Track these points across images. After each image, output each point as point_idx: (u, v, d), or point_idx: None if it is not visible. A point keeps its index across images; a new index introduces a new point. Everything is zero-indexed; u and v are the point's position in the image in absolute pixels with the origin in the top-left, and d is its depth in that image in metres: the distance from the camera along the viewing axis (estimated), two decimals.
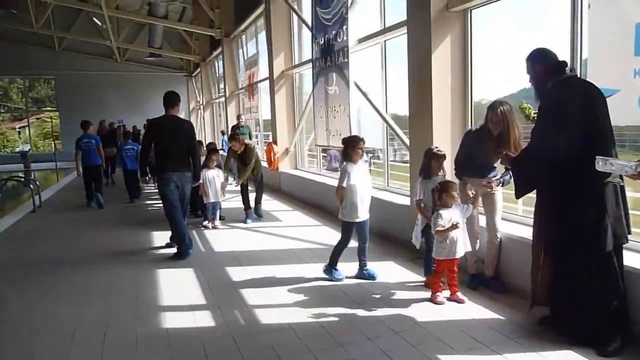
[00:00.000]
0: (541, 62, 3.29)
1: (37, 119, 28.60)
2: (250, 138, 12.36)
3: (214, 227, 7.11)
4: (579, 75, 3.64)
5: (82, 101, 22.07)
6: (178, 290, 4.48)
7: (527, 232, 4.18)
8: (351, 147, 4.49)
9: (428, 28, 4.96)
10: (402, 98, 6.91)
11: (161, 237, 6.48)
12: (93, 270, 5.24)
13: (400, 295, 4.19)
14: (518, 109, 3.74)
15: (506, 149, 3.81)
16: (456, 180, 4.22)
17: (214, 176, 7.14)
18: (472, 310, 3.82)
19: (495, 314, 3.72)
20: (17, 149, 20.83)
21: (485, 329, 3.46)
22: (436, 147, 4.35)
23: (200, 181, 6.73)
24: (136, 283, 4.76)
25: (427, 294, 4.07)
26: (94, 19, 19.04)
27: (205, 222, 7.19)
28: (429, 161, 4.24)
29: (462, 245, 3.97)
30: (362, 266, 4.65)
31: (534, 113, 3.74)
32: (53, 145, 21.58)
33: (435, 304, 3.92)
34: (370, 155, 13.47)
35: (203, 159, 7.84)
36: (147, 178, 6.46)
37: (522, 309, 3.70)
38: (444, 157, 4.26)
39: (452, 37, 5.02)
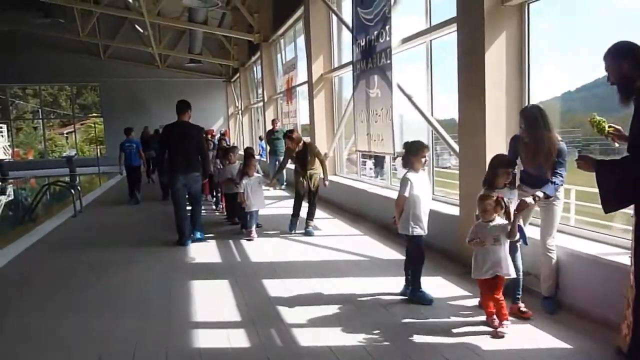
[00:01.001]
0: (627, 57, 2.79)
1: (83, 124, 29.49)
2: None
3: (251, 239, 6.64)
4: None
5: (124, 107, 22.60)
6: (212, 305, 4.24)
7: (582, 246, 3.86)
8: (414, 153, 4.08)
9: (481, 24, 4.56)
10: (442, 101, 6.60)
11: (194, 243, 6.35)
12: (126, 280, 5.09)
13: (453, 316, 3.79)
14: (589, 122, 3.24)
15: (538, 159, 3.59)
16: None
17: (258, 182, 6.78)
18: (536, 336, 3.39)
19: (561, 342, 3.28)
20: (64, 154, 21.48)
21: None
22: (503, 154, 3.85)
23: (241, 190, 6.55)
24: (170, 295, 4.55)
25: (483, 316, 3.66)
26: (137, 26, 19.42)
27: (248, 232, 6.73)
28: (496, 171, 3.66)
29: (501, 265, 3.47)
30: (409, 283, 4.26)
31: (609, 127, 3.14)
32: (97, 150, 22.13)
33: (492, 328, 3.50)
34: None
35: (236, 163, 7.68)
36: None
37: (590, 336, 3.30)
38: (513, 164, 3.72)
39: (507, 33, 4.61)
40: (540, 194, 3.48)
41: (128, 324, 3.89)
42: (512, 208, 3.52)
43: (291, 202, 7.34)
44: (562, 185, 3.65)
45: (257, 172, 7.02)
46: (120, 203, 11.02)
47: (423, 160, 4.08)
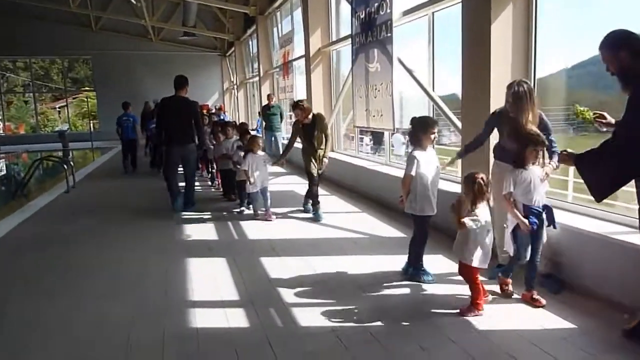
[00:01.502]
0: (623, 46, 2.72)
1: (75, 98, 29.02)
2: (281, 119, 12.00)
3: (268, 219, 6.27)
4: None
5: (118, 81, 22.12)
6: (210, 284, 4.16)
7: (586, 224, 3.79)
8: (422, 130, 3.93)
9: None
10: (442, 77, 6.43)
11: (190, 219, 6.25)
12: (121, 258, 4.98)
13: (454, 294, 3.73)
14: (574, 113, 3.26)
15: (520, 133, 3.54)
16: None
17: (263, 161, 6.43)
18: (540, 316, 3.34)
19: (566, 322, 3.23)
20: (56, 129, 21.15)
21: (558, 342, 2.98)
22: (534, 130, 3.57)
23: (245, 168, 6.23)
24: (166, 274, 4.46)
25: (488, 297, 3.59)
26: None
27: (268, 214, 6.34)
28: (524, 150, 3.46)
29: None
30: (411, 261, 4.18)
31: (593, 114, 3.23)
32: (90, 124, 21.79)
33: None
34: (407, 137, 12.90)
35: (234, 138, 7.52)
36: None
37: (595, 316, 3.25)
38: (543, 143, 3.46)
39: (514, 6, 4.44)
40: (554, 164, 3.55)
41: (123, 303, 3.81)
42: (538, 185, 3.45)
43: (289, 178, 7.22)
44: None
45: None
46: (114, 177, 10.90)
47: (432, 137, 3.93)
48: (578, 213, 4.08)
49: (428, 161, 3.94)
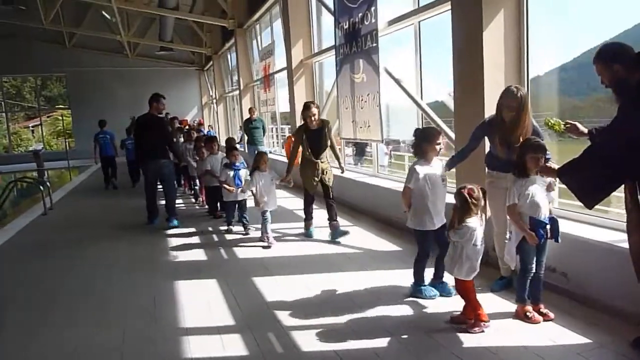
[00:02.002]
0: (617, 59, 2.72)
1: (49, 117, 28.37)
2: (264, 133, 11.79)
3: (269, 245, 5.63)
4: None
5: (93, 98, 21.69)
6: (202, 308, 3.94)
7: (583, 231, 3.73)
8: (427, 141, 3.76)
9: (479, 3, 4.32)
10: (426, 83, 6.36)
11: (175, 239, 6.01)
12: (105, 285, 4.72)
13: (458, 312, 3.59)
14: (544, 125, 3.29)
15: (513, 140, 3.51)
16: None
17: (271, 179, 5.79)
18: (550, 330, 3.22)
19: (578, 335, 3.11)
20: (30, 148, 20.58)
21: (574, 358, 2.86)
22: (534, 138, 3.42)
23: (253, 188, 5.71)
24: (154, 298, 4.22)
25: (489, 311, 3.46)
26: (103, 12, 18.58)
27: (265, 237, 5.70)
28: (524, 154, 3.32)
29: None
30: (437, 278, 3.96)
31: (565, 127, 3.23)
32: (65, 143, 21.25)
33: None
34: (390, 147, 12.82)
35: (219, 154, 7.31)
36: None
37: (608, 328, 3.14)
38: (543, 149, 3.30)
39: (505, 10, 4.39)
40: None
41: (110, 333, 3.56)
42: (543, 195, 3.34)
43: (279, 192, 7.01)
44: None
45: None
46: (93, 196, 10.57)
47: (437, 147, 3.78)
48: (578, 221, 4.00)
49: (431, 174, 3.77)
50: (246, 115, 12.40)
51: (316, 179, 5.80)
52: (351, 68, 7.39)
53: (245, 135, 12.14)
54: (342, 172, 6.23)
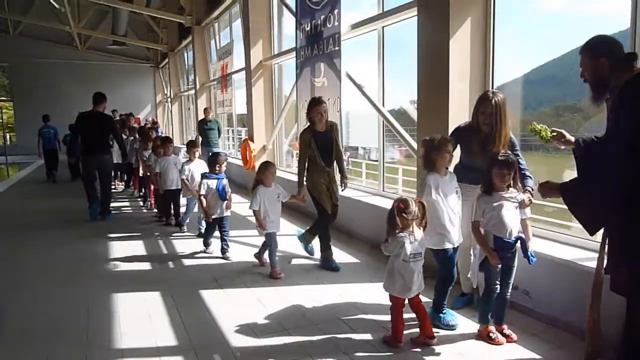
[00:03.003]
0: (607, 53, 2.54)
1: None
2: (219, 134, 11.39)
3: (277, 277, 4.58)
4: None
5: (39, 91, 20.52)
6: (142, 325, 3.55)
7: (550, 249, 3.60)
8: (436, 150, 3.37)
9: (446, 8, 4.19)
10: (388, 90, 6.24)
11: (118, 243, 5.56)
12: (34, 296, 4.25)
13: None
14: (530, 131, 3.10)
15: (494, 147, 3.33)
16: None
17: (277, 196, 4.78)
18: (512, 352, 3.07)
19: (539, 356, 2.98)
20: None
21: None
22: (502, 152, 3.23)
23: (256, 207, 4.64)
24: (87, 314, 3.80)
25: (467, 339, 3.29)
26: (52, 1, 17.57)
27: (274, 271, 4.62)
28: (489, 170, 3.15)
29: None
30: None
31: (552, 134, 2.99)
32: (5, 137, 19.95)
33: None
34: (348, 154, 12.70)
35: (175, 156, 6.91)
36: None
37: (570, 349, 3.04)
38: (508, 164, 3.10)
39: (472, 17, 4.28)
40: (529, 191, 3.27)
41: (34, 354, 3.14)
42: (512, 214, 3.15)
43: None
44: None
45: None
46: (31, 197, 9.84)
47: (447, 156, 3.39)
48: (541, 237, 3.90)
49: (444, 186, 3.41)
50: (201, 116, 11.93)
51: (330, 189, 4.87)
52: (312, 71, 7.17)
53: (200, 137, 11.70)
54: (343, 189, 5.08)
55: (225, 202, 5.23)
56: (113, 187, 10.60)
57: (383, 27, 5.93)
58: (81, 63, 21.75)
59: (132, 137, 9.86)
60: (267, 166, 4.75)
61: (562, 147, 3.03)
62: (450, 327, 3.42)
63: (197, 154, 6.32)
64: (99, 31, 20.18)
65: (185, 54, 18.23)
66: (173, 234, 6.36)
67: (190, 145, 6.43)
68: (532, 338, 3.22)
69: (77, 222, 7.24)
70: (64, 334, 3.45)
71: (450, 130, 4.14)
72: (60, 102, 19.36)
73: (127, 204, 8.93)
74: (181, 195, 6.60)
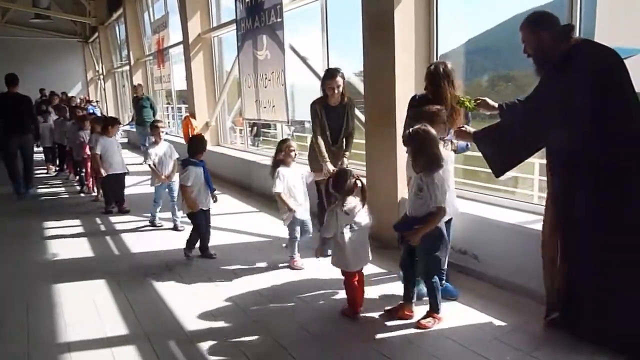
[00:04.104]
0: (546, 27, 2.67)
1: None
2: (154, 113, 10.90)
3: (297, 267, 4.14)
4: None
5: None
6: (88, 316, 3.38)
7: (492, 213, 3.76)
8: (428, 121, 3.06)
9: None
10: (337, 64, 6.16)
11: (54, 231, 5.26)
12: None
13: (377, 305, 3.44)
14: (458, 104, 3.29)
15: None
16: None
17: (301, 177, 4.17)
18: (464, 314, 3.18)
19: (492, 318, 3.10)
20: None
21: (491, 342, 2.82)
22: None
23: (279, 190, 4.03)
24: (27, 306, 3.57)
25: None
26: None
27: (292, 261, 4.15)
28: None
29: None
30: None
31: (475, 103, 3.24)
32: None
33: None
34: (293, 129, 12.63)
35: (114, 138, 6.50)
36: None
37: (520, 309, 3.17)
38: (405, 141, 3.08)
39: None
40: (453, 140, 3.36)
41: None
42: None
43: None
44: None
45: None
46: None
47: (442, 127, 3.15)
48: (487, 203, 4.04)
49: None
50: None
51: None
52: (254, 44, 6.96)
53: (135, 115, 11.20)
54: (340, 164, 4.34)
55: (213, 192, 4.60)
56: (45, 171, 10.04)
57: None
58: (1, 39, 20.06)
59: (61, 118, 9.29)
60: (286, 144, 4.11)
61: (488, 112, 3.30)
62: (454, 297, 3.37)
63: (162, 135, 5.65)
64: (18, 4, 18.61)
65: (117, 28, 17.26)
66: (118, 221, 6.05)
67: (155, 125, 5.70)
68: (481, 300, 3.34)
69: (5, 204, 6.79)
70: (3, 330, 3.23)
71: (401, 103, 4.16)
72: None
73: (62, 189, 8.44)
74: (150, 184, 5.70)
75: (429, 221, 2.93)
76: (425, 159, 2.93)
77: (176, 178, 5.23)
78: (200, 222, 4.49)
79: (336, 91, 4.27)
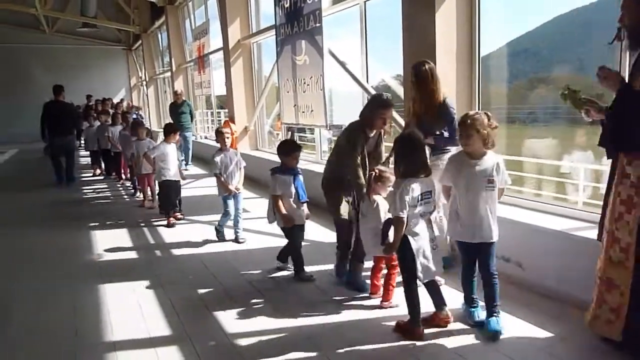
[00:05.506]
0: None
1: None
2: (192, 119, 11.07)
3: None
4: None
5: (4, 77, 19.72)
6: (132, 315, 3.47)
7: (541, 220, 3.63)
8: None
9: None
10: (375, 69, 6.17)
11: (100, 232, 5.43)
12: (16, 293, 4.12)
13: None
14: (561, 96, 2.68)
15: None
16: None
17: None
18: (510, 325, 3.07)
19: (538, 329, 3.00)
20: None
21: (537, 353, 2.73)
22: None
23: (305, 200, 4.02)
24: (74, 308, 3.69)
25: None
26: None
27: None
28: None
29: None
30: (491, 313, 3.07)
31: (583, 97, 2.62)
32: None
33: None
34: (332, 132, 12.66)
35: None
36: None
37: (566, 319, 3.06)
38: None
39: None
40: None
41: (23, 352, 3.04)
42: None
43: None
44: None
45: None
46: (5, 189, 9.55)
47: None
48: (530, 209, 3.92)
49: (470, 168, 2.99)
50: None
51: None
52: (293, 49, 7.01)
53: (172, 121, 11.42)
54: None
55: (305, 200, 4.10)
56: (92, 174, 10.42)
57: (365, 1, 5.81)
58: (49, 47, 20.92)
59: (108, 123, 9.60)
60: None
61: (590, 119, 2.68)
62: (477, 324, 3.08)
63: (227, 142, 5.21)
64: (67, 13, 19.42)
65: (159, 35, 17.75)
66: (155, 220, 6.21)
67: (220, 131, 5.29)
68: (527, 310, 3.23)
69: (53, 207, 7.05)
70: (51, 330, 3.35)
71: None
72: (27, 87, 18.80)
73: (108, 194, 8.73)
74: (217, 194, 5.30)
75: (387, 233, 3.06)
76: (404, 164, 2.88)
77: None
78: (296, 236, 4.09)
79: (388, 123, 3.77)
